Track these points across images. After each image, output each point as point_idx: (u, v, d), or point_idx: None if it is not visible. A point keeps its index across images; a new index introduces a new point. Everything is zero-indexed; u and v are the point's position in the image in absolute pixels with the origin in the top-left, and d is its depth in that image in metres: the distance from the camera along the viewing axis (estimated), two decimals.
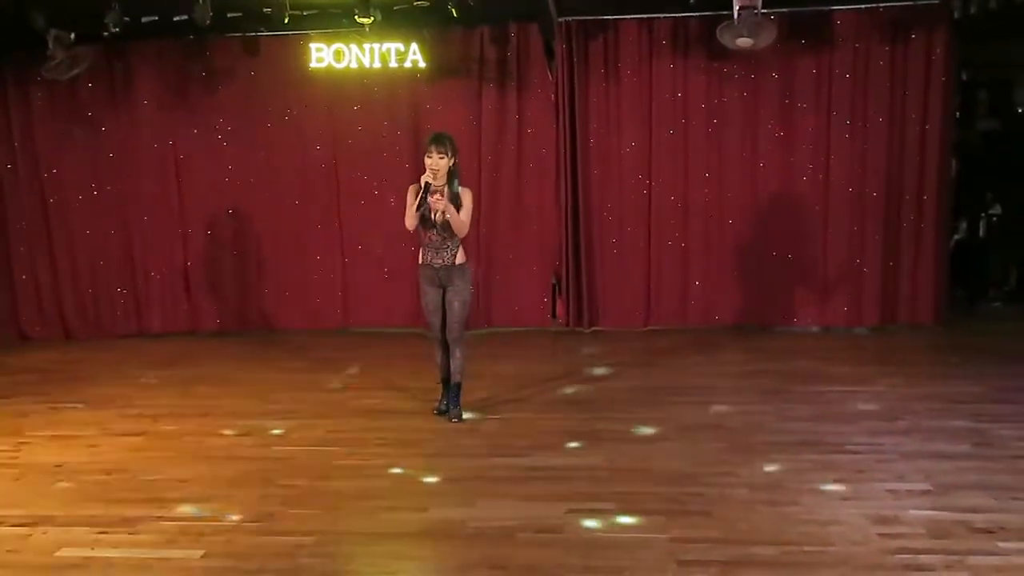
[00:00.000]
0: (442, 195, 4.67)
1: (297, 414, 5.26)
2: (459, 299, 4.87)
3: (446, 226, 4.76)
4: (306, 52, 7.21)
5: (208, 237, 7.79)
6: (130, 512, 3.79)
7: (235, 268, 7.83)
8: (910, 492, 3.79)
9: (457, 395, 5.01)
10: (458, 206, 4.73)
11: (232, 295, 7.86)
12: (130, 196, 7.76)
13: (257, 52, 7.49)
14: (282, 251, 7.77)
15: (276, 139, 7.63)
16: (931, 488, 3.82)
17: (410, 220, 4.73)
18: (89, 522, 3.70)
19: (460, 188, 4.77)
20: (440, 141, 4.71)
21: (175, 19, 6.65)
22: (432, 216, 4.73)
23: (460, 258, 4.86)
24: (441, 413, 5.12)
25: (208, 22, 6.27)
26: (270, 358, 6.90)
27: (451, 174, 4.75)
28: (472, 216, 4.85)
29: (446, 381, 5.10)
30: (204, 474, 4.25)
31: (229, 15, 6.59)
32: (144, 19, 6.68)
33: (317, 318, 7.81)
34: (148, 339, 7.78)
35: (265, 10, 6.45)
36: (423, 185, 4.65)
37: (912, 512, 3.58)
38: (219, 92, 7.60)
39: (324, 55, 7.16)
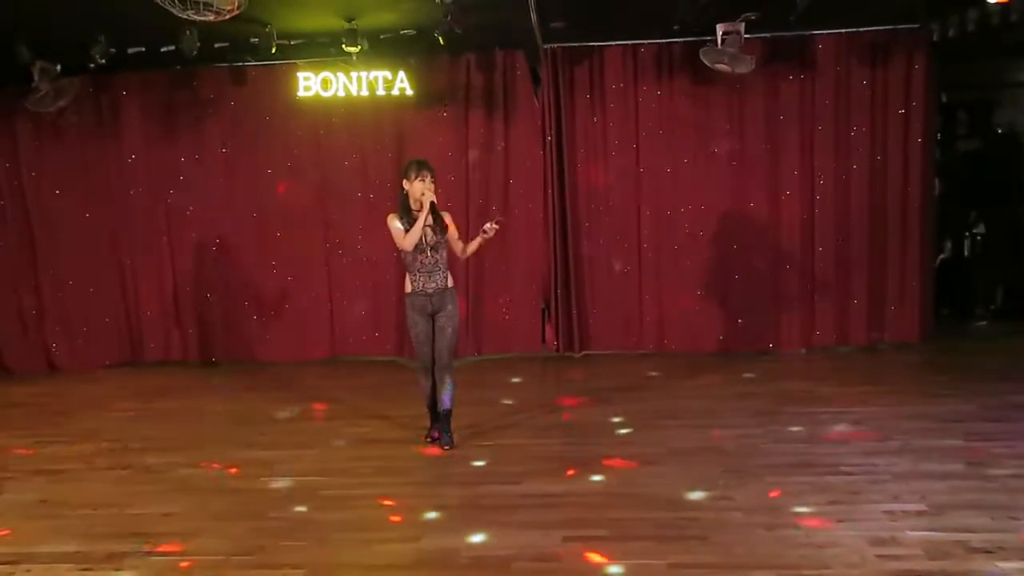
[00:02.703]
0: (442, 226, 4.73)
1: (284, 445, 5.19)
2: (452, 325, 4.84)
3: (438, 247, 4.76)
4: (293, 81, 7.24)
5: (195, 267, 7.74)
6: (116, 547, 3.71)
7: (222, 298, 7.78)
8: (906, 513, 3.77)
9: (448, 422, 4.96)
10: (445, 227, 4.77)
11: (219, 325, 7.80)
12: (117, 226, 7.73)
13: (244, 82, 7.50)
14: (269, 280, 7.73)
15: (263, 168, 7.62)
16: (927, 508, 3.80)
17: (411, 239, 4.66)
18: (73, 559, 3.62)
19: (441, 213, 4.81)
20: (429, 166, 4.74)
21: (162, 50, 6.66)
22: (423, 239, 4.72)
23: (451, 281, 4.87)
24: (432, 441, 5.07)
25: (195, 52, 6.29)
26: (257, 388, 6.82)
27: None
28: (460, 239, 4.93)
29: (432, 408, 5.06)
30: (191, 507, 4.17)
31: (216, 45, 6.61)
32: (131, 50, 6.70)
33: (304, 348, 7.75)
34: (134, 370, 7.69)
35: (252, 40, 6.48)
36: (427, 205, 4.64)
37: (909, 533, 3.55)
38: (206, 122, 7.60)
39: (311, 84, 7.20)
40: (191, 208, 7.69)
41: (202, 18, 4.62)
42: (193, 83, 7.54)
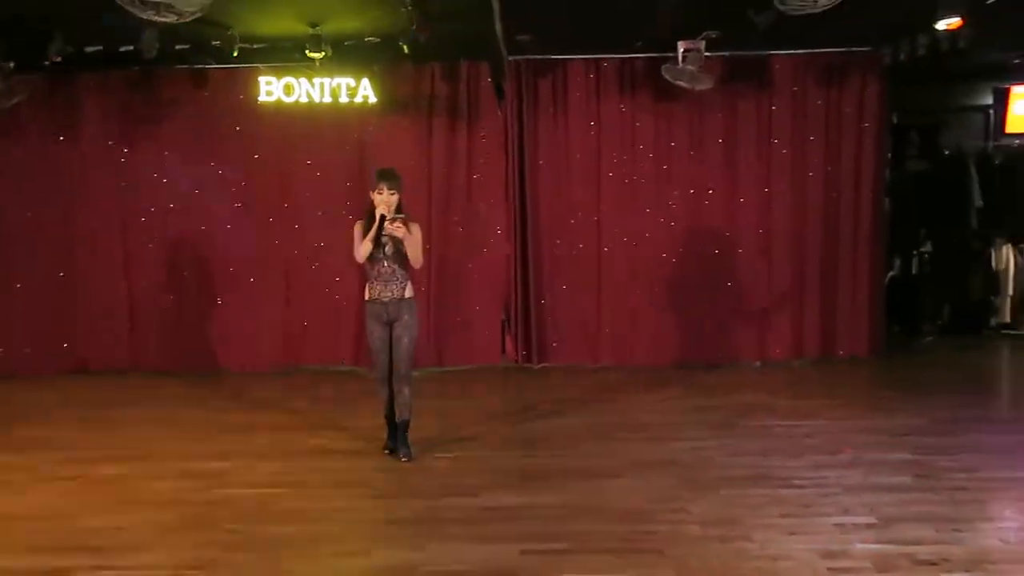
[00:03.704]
0: (402, 223, 4.65)
1: (240, 456, 5.10)
2: (408, 335, 4.82)
3: (396, 257, 4.74)
4: (255, 85, 7.17)
5: (150, 272, 7.57)
6: (61, 562, 3.59)
7: (179, 305, 7.62)
8: (856, 525, 3.85)
9: (405, 433, 4.93)
10: (400, 240, 4.72)
11: (175, 333, 7.63)
12: (70, 229, 7.53)
13: (205, 84, 7.39)
14: (227, 288, 7.60)
15: (223, 173, 7.50)
16: (876, 521, 3.88)
17: (363, 251, 4.69)
18: (15, 574, 3.50)
19: (408, 223, 4.76)
20: (391, 177, 4.72)
21: (120, 50, 6.53)
22: (383, 246, 4.69)
23: (409, 291, 4.84)
24: (391, 452, 5.03)
25: (154, 53, 6.17)
26: (213, 398, 6.70)
27: (399, 210, 4.75)
28: (423, 249, 4.85)
29: (390, 419, 5.02)
30: (142, 520, 4.07)
31: (177, 47, 6.50)
32: (88, 49, 6.55)
33: (261, 357, 7.62)
34: (84, 378, 7.48)
35: (214, 43, 6.40)
36: (379, 217, 4.62)
37: (858, 546, 3.63)
38: (165, 124, 7.46)
39: (274, 89, 7.13)
40: (148, 212, 7.53)
41: (163, 19, 4.56)
42: (152, 84, 7.39)
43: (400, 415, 4.89)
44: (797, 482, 4.44)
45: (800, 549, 3.60)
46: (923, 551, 3.54)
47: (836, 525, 3.85)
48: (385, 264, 4.76)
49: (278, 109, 7.24)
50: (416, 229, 4.79)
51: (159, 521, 4.04)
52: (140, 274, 7.59)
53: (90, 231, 7.54)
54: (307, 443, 5.36)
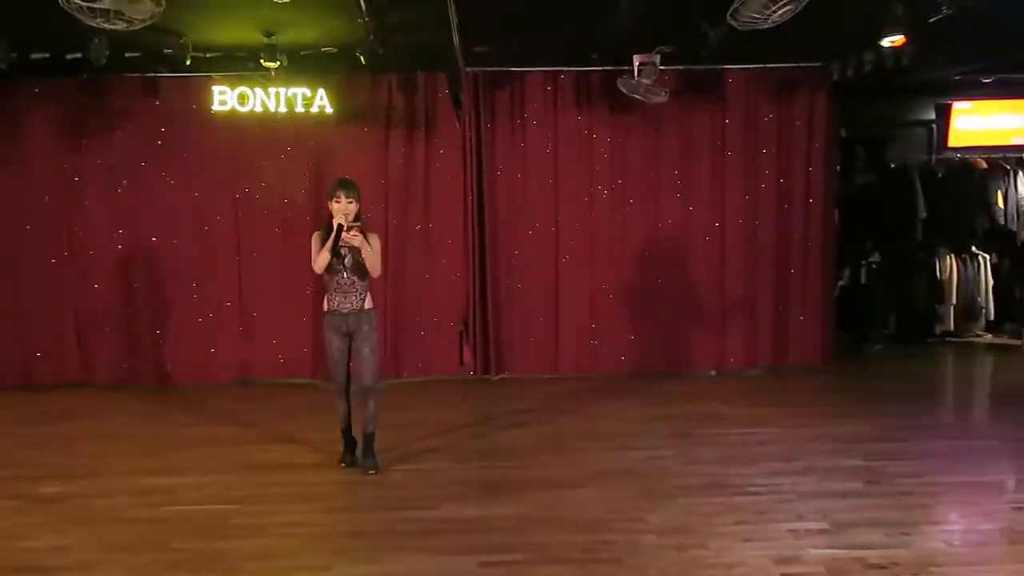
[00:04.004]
0: (359, 232, 4.61)
1: (191, 471, 4.99)
2: (369, 345, 4.78)
3: (356, 268, 4.70)
4: (208, 94, 7.05)
5: (98, 283, 7.37)
6: None
7: (129, 317, 7.42)
8: (809, 531, 3.92)
9: (371, 445, 4.88)
10: (358, 250, 4.68)
11: (125, 345, 7.43)
12: (17, 239, 7.28)
13: (157, 92, 7.25)
14: (178, 299, 7.43)
15: (175, 183, 7.35)
16: (828, 527, 3.96)
17: (320, 261, 4.65)
18: None
19: (367, 233, 4.73)
20: (349, 186, 4.69)
21: (68, 57, 6.37)
22: (342, 258, 4.65)
23: (368, 303, 4.80)
24: (349, 465, 4.97)
25: (104, 61, 6.04)
26: (164, 412, 6.54)
27: (357, 219, 4.72)
28: (382, 260, 4.82)
29: (347, 432, 4.99)
30: (88, 539, 3.95)
31: (127, 55, 6.36)
32: (34, 55, 6.38)
33: (214, 369, 7.47)
34: (29, 393, 7.23)
35: (165, 51, 6.27)
36: (336, 227, 4.58)
37: (812, 551, 3.69)
38: (115, 133, 7.29)
39: (227, 98, 7.02)
40: (96, 222, 7.34)
41: (112, 26, 4.46)
42: (102, 92, 7.22)
43: (366, 428, 4.85)
44: (752, 489, 4.51)
45: (755, 555, 3.65)
46: (873, 555, 3.63)
47: (790, 531, 3.92)
48: (344, 275, 4.72)
49: (232, 118, 7.13)
50: (375, 239, 4.76)
51: (106, 540, 3.93)
52: (88, 286, 7.38)
53: (36, 241, 7.31)
54: (262, 457, 5.27)
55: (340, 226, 4.59)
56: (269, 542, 3.90)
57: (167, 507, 4.38)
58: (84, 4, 4.14)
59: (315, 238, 4.73)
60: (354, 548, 3.85)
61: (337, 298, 4.75)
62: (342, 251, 4.67)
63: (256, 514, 4.26)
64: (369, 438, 4.87)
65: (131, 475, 4.91)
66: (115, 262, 7.39)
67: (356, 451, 5.03)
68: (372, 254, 4.69)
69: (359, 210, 4.73)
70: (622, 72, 6.83)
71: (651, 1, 5.17)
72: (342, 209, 4.62)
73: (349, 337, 4.79)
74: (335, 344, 4.80)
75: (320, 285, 7.10)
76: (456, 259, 7.57)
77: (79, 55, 6.18)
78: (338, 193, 4.65)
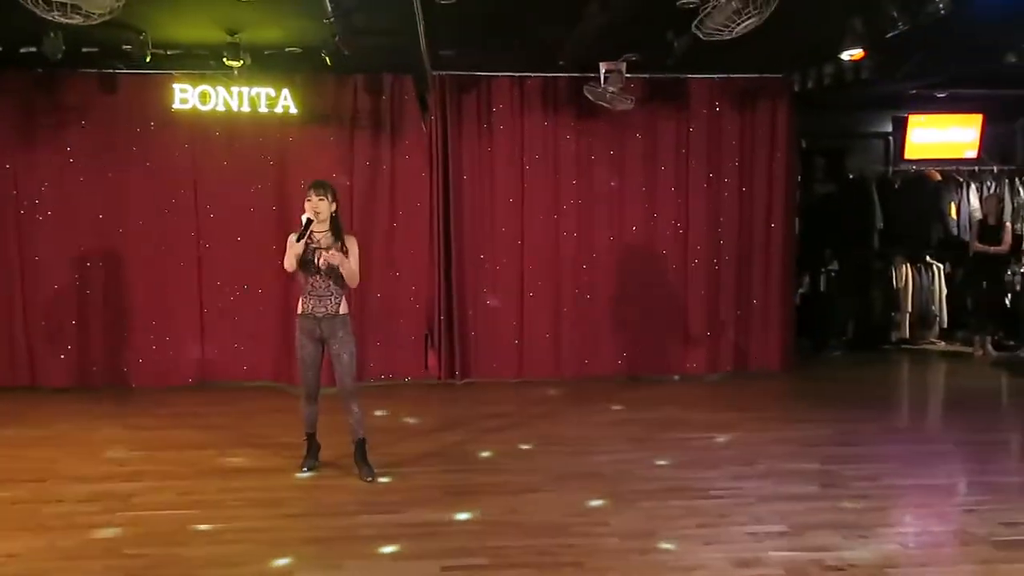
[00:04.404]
0: (328, 248, 4.58)
1: (148, 476, 4.88)
2: (347, 351, 4.72)
3: (331, 272, 4.64)
4: (169, 92, 6.92)
5: (51, 283, 7.17)
6: None
7: (83, 317, 7.24)
8: (768, 534, 3.97)
9: (364, 452, 4.82)
10: (345, 254, 4.64)
11: (80, 346, 7.24)
12: None
13: (115, 89, 7.09)
14: (136, 300, 7.27)
15: (133, 181, 7.19)
16: (787, 529, 4.02)
17: (289, 260, 4.59)
18: None
19: (345, 236, 4.69)
20: (320, 185, 4.68)
21: (21, 51, 6.20)
22: (316, 261, 4.60)
23: (343, 308, 4.74)
24: (310, 470, 4.92)
25: (60, 56, 5.89)
26: (119, 415, 6.38)
27: (335, 223, 4.68)
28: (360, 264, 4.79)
29: (312, 436, 4.95)
30: (38, 547, 3.83)
31: (84, 50, 6.21)
32: None
33: (173, 371, 7.33)
34: None
35: (125, 47, 6.14)
36: (304, 220, 4.54)
37: (771, 554, 3.74)
38: (71, 130, 7.12)
39: (189, 96, 6.90)
40: (48, 221, 7.14)
41: (69, 21, 4.35)
42: (56, 88, 7.05)
43: (356, 434, 4.81)
44: (713, 493, 4.55)
45: (715, 558, 3.69)
46: (830, 557, 3.69)
47: (750, 534, 3.97)
48: (319, 279, 4.66)
49: (193, 117, 7.01)
50: (352, 243, 4.72)
51: (57, 547, 3.83)
52: (39, 284, 7.18)
53: None
54: (221, 461, 5.18)
55: (309, 220, 4.55)
56: (227, 548, 3.83)
57: (122, 513, 4.28)
58: None
59: (290, 238, 4.64)
60: (314, 554, 3.79)
61: (311, 301, 4.69)
62: (312, 254, 4.60)
63: (214, 519, 4.18)
64: (361, 444, 4.82)
65: (85, 480, 4.79)
66: (68, 261, 7.19)
67: (319, 456, 4.99)
68: (350, 266, 4.65)
69: (337, 211, 4.70)
70: (589, 79, 6.87)
71: (617, 9, 5.21)
72: (313, 206, 4.59)
73: (321, 342, 4.73)
74: (307, 348, 4.74)
75: (280, 287, 7.07)
76: (421, 263, 7.53)
77: (33, 49, 6.01)
78: (308, 193, 4.63)
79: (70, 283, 7.21)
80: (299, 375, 4.90)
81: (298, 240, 4.54)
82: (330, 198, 4.65)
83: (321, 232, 4.65)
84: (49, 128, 7.10)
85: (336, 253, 4.58)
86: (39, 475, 4.88)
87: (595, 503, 4.40)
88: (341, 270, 4.64)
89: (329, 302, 4.69)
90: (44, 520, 4.18)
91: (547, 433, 5.88)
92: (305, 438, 4.97)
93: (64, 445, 5.57)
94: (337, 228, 4.69)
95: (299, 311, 4.76)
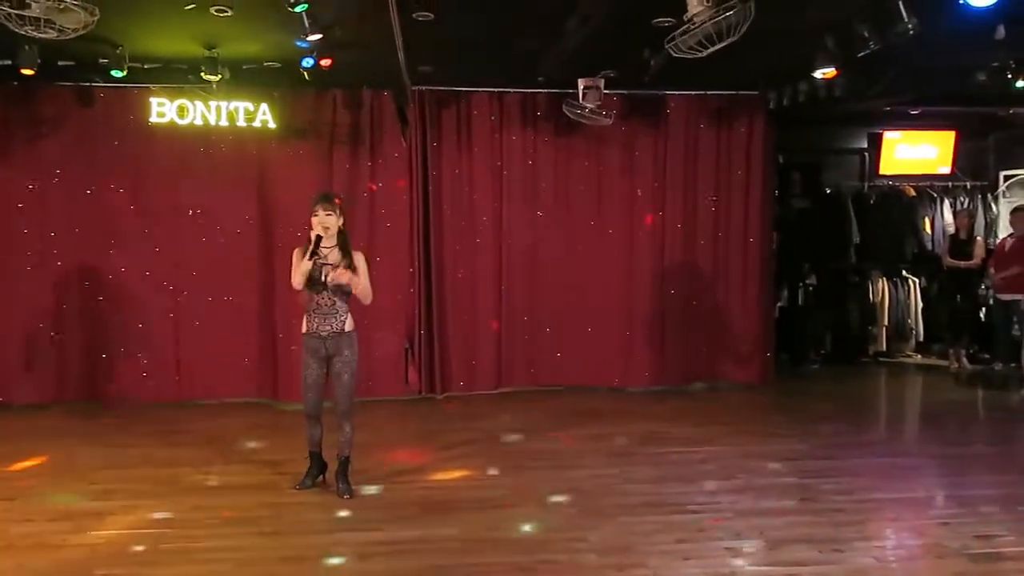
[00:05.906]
0: (335, 263, 4.54)
1: (120, 494, 4.80)
2: (348, 371, 4.66)
3: (338, 289, 4.59)
4: (146, 106, 6.89)
5: (26, 299, 7.06)
6: None
7: (59, 333, 7.12)
8: (746, 549, 3.97)
9: (347, 470, 4.77)
10: (354, 271, 4.59)
11: (55, 362, 7.12)
12: None
13: (91, 103, 7.04)
14: (113, 315, 7.18)
15: (109, 196, 7.13)
16: (765, 544, 4.03)
17: (298, 278, 4.53)
18: None
19: (353, 252, 4.65)
20: (327, 199, 4.65)
21: None
22: (323, 278, 4.55)
23: (350, 325, 4.68)
24: (304, 488, 4.85)
25: (35, 69, 5.85)
26: (94, 432, 6.29)
27: (343, 238, 4.64)
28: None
29: (316, 455, 4.88)
30: (7, 566, 3.76)
31: (60, 63, 6.17)
32: None
33: (155, 388, 7.22)
34: None
35: (101, 60, 6.10)
36: (314, 238, 4.49)
37: (748, 568, 3.75)
38: (46, 143, 7.05)
39: (166, 110, 6.87)
40: (23, 236, 7.04)
41: (43, 35, 4.33)
42: (31, 101, 6.98)
43: (341, 452, 4.75)
44: (692, 507, 4.56)
45: (693, 573, 3.69)
46: (807, 571, 3.70)
47: (727, 549, 3.97)
48: (325, 296, 4.60)
49: (171, 131, 6.97)
50: (360, 259, 4.66)
51: (27, 567, 3.75)
52: (14, 300, 7.07)
53: None
54: (195, 479, 5.11)
55: (318, 238, 4.51)
56: (199, 568, 3.78)
57: (93, 532, 4.21)
58: (13, 12, 4.01)
59: (296, 253, 4.59)
60: (289, 573, 3.75)
61: (316, 320, 4.62)
62: (320, 272, 4.54)
63: (187, 538, 4.12)
64: (344, 462, 4.77)
65: (53, 498, 4.70)
66: (44, 277, 7.10)
67: (322, 475, 4.92)
68: (361, 283, 4.60)
69: (344, 226, 4.66)
70: (567, 95, 6.93)
71: (595, 26, 5.26)
72: (320, 222, 4.53)
73: (327, 360, 4.68)
74: (312, 368, 4.65)
75: (263, 305, 7.00)
76: (401, 277, 7.51)
77: (8, 62, 5.96)
78: (316, 207, 4.57)
79: (45, 298, 7.11)
80: (302, 395, 4.80)
81: (308, 257, 4.48)
82: (337, 212, 4.59)
83: (329, 248, 4.58)
84: (24, 142, 7.02)
85: (345, 271, 4.53)
86: (9, 494, 4.79)
87: (573, 519, 4.39)
88: (354, 289, 4.59)
89: (335, 320, 4.63)
90: (14, 540, 4.09)
91: (527, 448, 5.86)
92: (308, 455, 4.90)
93: (35, 464, 5.47)
94: (345, 244, 4.63)
95: (304, 330, 4.67)
